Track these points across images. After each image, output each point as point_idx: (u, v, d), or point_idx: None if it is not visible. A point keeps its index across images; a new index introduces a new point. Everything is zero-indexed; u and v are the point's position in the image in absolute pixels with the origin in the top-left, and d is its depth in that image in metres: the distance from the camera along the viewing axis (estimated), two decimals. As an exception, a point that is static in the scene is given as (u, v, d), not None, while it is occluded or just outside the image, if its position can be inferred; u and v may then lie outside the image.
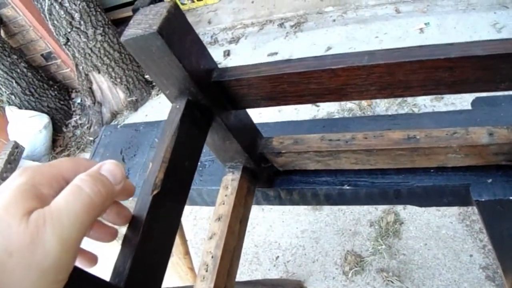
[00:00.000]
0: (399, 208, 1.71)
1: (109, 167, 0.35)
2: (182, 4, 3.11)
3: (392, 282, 1.55)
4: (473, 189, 0.61)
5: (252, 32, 2.91)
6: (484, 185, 0.60)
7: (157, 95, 2.65)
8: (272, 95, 0.53)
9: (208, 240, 0.59)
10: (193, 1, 3.09)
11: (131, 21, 0.44)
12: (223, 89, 0.52)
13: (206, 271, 0.56)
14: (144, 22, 0.43)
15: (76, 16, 2.07)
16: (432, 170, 0.64)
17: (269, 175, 0.70)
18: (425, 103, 2.01)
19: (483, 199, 0.59)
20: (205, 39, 2.93)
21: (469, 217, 1.64)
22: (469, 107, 0.70)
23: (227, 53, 2.84)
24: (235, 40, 2.90)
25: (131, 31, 0.43)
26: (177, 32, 0.45)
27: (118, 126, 0.94)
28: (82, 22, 2.10)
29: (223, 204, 0.62)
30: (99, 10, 2.21)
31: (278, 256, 1.79)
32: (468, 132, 0.56)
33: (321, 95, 0.51)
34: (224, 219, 0.61)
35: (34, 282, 0.28)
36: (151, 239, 0.41)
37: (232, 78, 0.51)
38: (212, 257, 0.57)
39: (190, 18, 3.07)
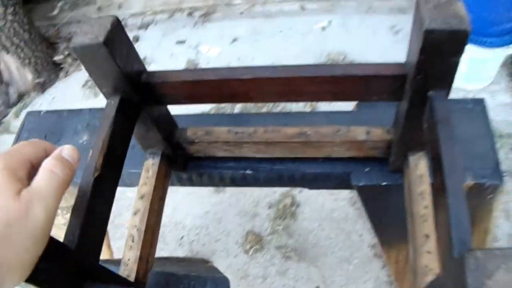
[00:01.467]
0: (295, 191, 1.89)
1: (68, 152, 0.46)
2: (94, -14, 3.07)
3: (290, 257, 1.73)
4: (353, 176, 0.77)
5: (161, 19, 2.94)
6: (362, 173, 0.77)
7: (65, 77, 2.62)
8: (191, 96, 0.65)
9: (133, 216, 0.70)
10: (105, -16, 3.06)
11: (79, 30, 0.54)
12: (150, 89, 0.63)
13: (133, 241, 0.67)
14: (90, 33, 0.53)
15: (-15, -7, 2.02)
16: (320, 160, 0.79)
17: (184, 161, 0.82)
18: (321, 103, 2.22)
19: (361, 184, 0.76)
20: (116, 24, 2.92)
21: (359, 201, 1.87)
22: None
23: (136, 39, 2.85)
24: (144, 26, 2.92)
25: (79, 39, 0.53)
26: (118, 43, 0.55)
27: (41, 113, 1.00)
28: (-9, 0, 2.05)
29: (145, 184, 0.73)
30: (9, -12, 2.16)
31: (183, 236, 1.90)
32: (349, 130, 0.72)
33: (231, 98, 0.64)
34: (146, 198, 0.72)
35: (28, 248, 0.38)
36: (94, 212, 0.52)
37: (158, 81, 0.62)
38: (137, 230, 0.68)
39: (101, 2, 3.05)
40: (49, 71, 2.51)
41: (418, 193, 0.64)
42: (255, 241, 1.80)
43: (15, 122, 2.43)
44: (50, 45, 2.61)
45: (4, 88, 2.36)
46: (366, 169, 0.77)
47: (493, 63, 1.94)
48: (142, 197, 0.72)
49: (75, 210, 0.50)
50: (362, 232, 1.77)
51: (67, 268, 0.47)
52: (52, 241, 0.42)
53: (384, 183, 0.75)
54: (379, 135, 0.71)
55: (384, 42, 2.37)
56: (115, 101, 0.60)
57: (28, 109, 2.47)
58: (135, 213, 0.70)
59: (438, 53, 0.49)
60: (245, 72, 0.61)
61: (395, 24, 2.46)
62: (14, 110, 2.47)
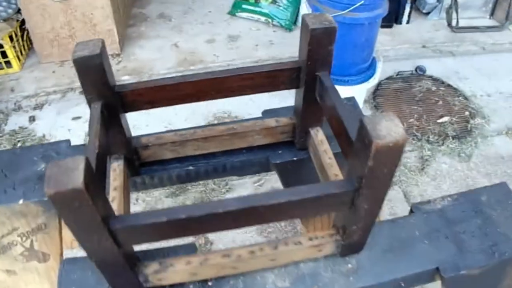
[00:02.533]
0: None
1: None
2: (-19, 71, 3.11)
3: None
4: (270, 157, 1.03)
5: (55, 99, 3.05)
6: (277, 154, 1.03)
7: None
8: (152, 101, 0.88)
9: (111, 203, 0.88)
10: (-7, 69, 3.12)
11: (76, 48, 0.75)
12: (122, 96, 0.85)
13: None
14: (87, 49, 0.75)
15: None
16: (244, 151, 1.04)
17: (138, 166, 1.02)
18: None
19: (277, 162, 1.02)
20: (9, 106, 2.97)
21: (265, 230, 2.11)
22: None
23: (32, 119, 2.92)
24: (39, 107, 3.00)
25: (79, 53, 0.74)
26: (105, 58, 0.77)
27: (-6, 152, 1.12)
28: None
29: (116, 180, 0.92)
30: None
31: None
32: (264, 121, 0.99)
33: (183, 99, 0.88)
34: (118, 189, 0.90)
35: None
36: (100, 168, 0.71)
37: (128, 89, 0.85)
38: (117, 211, 0.86)
39: (-9, 85, 3.08)
40: None
41: (322, 151, 0.92)
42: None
43: None
44: None
45: None
46: (280, 151, 1.04)
47: (358, 98, 2.39)
48: (115, 188, 0.90)
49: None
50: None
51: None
52: None
53: (294, 158, 1.02)
54: (285, 121, 1.00)
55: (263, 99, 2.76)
56: (98, 105, 0.81)
57: None
58: (112, 200, 0.88)
59: (319, 44, 0.80)
60: (192, 76, 0.86)
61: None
62: None
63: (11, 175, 1.05)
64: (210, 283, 0.79)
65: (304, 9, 2.24)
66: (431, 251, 0.85)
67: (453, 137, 2.35)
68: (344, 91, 2.24)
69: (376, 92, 2.68)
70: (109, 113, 0.85)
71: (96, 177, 0.61)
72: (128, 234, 0.63)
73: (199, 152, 1.02)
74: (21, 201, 0.98)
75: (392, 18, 3.23)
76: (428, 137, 2.34)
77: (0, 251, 1.06)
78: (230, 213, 0.61)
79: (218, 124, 1.01)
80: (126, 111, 0.90)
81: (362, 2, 1.91)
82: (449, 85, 2.70)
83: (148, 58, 3.17)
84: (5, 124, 2.82)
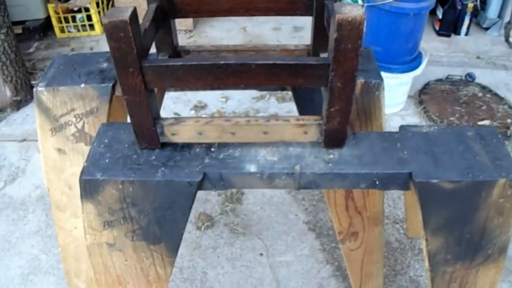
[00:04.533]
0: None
1: None
2: (69, 31, 3.51)
3: (237, 229, 2.08)
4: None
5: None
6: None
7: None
8: (197, 10, 1.08)
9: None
10: (78, 31, 3.51)
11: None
12: (173, 3, 1.06)
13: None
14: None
15: (-13, 13, 2.41)
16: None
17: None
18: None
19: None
20: (87, 63, 3.33)
21: (295, 194, 2.27)
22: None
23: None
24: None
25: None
26: None
27: (69, 54, 1.38)
28: (-10, 20, 2.44)
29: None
30: (7, 13, 2.54)
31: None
32: (285, 45, 1.17)
33: (220, 12, 1.08)
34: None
35: None
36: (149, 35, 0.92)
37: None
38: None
39: (74, 44, 3.48)
40: (26, 92, 2.84)
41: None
42: (206, 220, 2.14)
43: (-11, 132, 2.71)
44: (28, 72, 2.96)
45: (-18, 101, 2.65)
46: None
47: (402, 89, 2.52)
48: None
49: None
50: (297, 212, 2.16)
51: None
52: None
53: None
54: (302, 47, 1.18)
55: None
56: (154, 5, 1.03)
57: (3, 122, 2.76)
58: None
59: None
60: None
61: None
62: (-11, 122, 2.75)
63: (79, 69, 1.30)
64: (213, 149, 0.98)
65: (361, 2, 2.40)
66: (408, 160, 0.98)
67: (491, 140, 2.40)
68: (388, 78, 2.38)
69: (423, 90, 2.78)
70: (162, 16, 1.07)
71: (137, 26, 0.82)
72: (153, 74, 0.83)
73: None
74: (82, 85, 1.22)
75: (451, 28, 3.31)
76: (465, 135, 2.41)
77: (57, 129, 1.29)
78: (230, 65, 0.80)
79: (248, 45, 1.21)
80: (176, 17, 1.12)
81: (409, -9, 2.06)
82: (496, 94, 2.75)
83: (217, 37, 3.44)
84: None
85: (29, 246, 2.03)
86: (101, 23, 3.41)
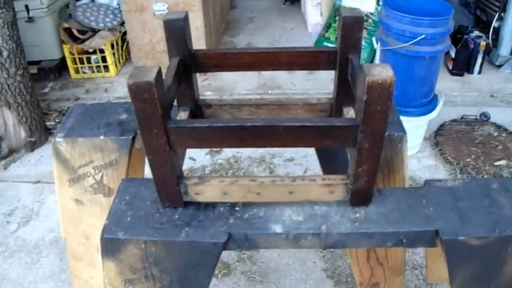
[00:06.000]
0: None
1: None
2: (83, 72, 3.56)
3: (255, 277, 2.03)
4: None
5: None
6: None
7: (51, 140, 2.96)
8: (219, 65, 1.09)
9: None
10: (93, 72, 3.55)
11: (167, 14, 0.99)
12: (195, 58, 1.07)
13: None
14: (175, 14, 0.98)
15: (5, 53, 2.44)
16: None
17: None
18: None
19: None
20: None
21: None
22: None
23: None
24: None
25: (168, 17, 0.97)
26: (187, 25, 1.00)
27: (87, 104, 1.39)
28: (8, 60, 2.47)
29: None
30: (23, 54, 2.59)
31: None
32: (308, 98, 1.17)
33: (246, 66, 1.08)
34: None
35: None
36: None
37: (200, 53, 1.06)
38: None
39: (89, 85, 3.52)
40: (40, 133, 2.85)
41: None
42: (223, 268, 2.10)
43: (2, 173, 2.70)
44: (43, 113, 2.98)
45: (-3, 141, 2.66)
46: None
47: (418, 131, 2.50)
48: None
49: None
50: (315, 259, 2.12)
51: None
52: None
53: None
54: (324, 100, 1.17)
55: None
56: (176, 59, 1.03)
57: (17, 163, 2.76)
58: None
59: (350, 29, 0.98)
60: (251, 49, 1.07)
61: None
62: (3, 162, 2.74)
63: (98, 120, 1.30)
64: (237, 208, 0.96)
65: (378, 47, 2.41)
66: (434, 217, 0.96)
67: (508, 181, 2.37)
68: (405, 122, 2.35)
69: (438, 131, 2.76)
70: (184, 70, 1.07)
71: (162, 87, 0.82)
72: (178, 134, 0.83)
73: (252, 116, 1.21)
74: (101, 137, 1.22)
75: (464, 68, 3.31)
76: (483, 176, 2.38)
77: (75, 180, 1.29)
78: (257, 128, 0.79)
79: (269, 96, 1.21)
80: (197, 71, 1.12)
81: (424, 36, 2.06)
82: (511, 133, 2.72)
83: (231, 80, 3.46)
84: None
85: (42, 292, 2.00)
86: (116, 66, 3.47)
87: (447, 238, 0.92)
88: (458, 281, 0.98)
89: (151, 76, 0.76)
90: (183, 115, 1.15)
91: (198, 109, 1.18)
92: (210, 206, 0.96)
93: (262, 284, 2.01)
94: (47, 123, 2.98)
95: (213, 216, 0.94)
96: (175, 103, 1.15)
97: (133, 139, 1.21)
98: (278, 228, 0.91)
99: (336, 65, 1.06)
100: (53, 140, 1.25)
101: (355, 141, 0.82)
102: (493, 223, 0.95)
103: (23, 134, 2.77)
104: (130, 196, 1.02)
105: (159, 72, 0.80)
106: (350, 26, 0.97)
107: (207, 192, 0.93)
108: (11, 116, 2.67)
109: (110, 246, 0.94)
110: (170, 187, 0.91)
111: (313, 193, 0.93)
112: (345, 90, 1.08)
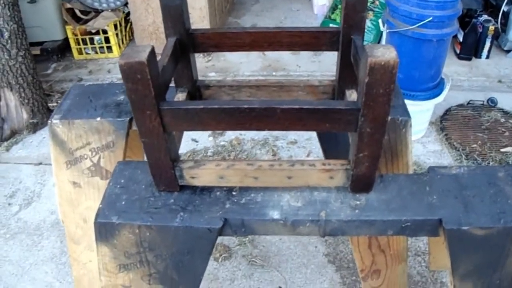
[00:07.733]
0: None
1: None
2: (86, 53, 3.52)
3: (256, 261, 2.02)
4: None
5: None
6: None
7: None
8: (218, 44, 1.05)
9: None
10: (96, 53, 3.52)
11: None
12: (193, 37, 1.03)
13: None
14: None
15: (6, 34, 2.40)
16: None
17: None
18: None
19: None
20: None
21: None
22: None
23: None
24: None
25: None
26: (185, 5, 0.96)
27: (85, 84, 1.35)
28: (9, 41, 2.43)
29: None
30: (25, 35, 2.55)
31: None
32: (309, 80, 1.13)
33: (244, 46, 1.04)
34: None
35: None
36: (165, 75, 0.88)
37: (198, 32, 1.03)
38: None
39: (92, 66, 3.49)
40: (42, 114, 2.83)
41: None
42: (223, 251, 2.08)
43: (4, 155, 2.69)
44: (45, 94, 2.96)
45: (-1, 123, 2.65)
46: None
47: (424, 115, 2.46)
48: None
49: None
50: (317, 244, 2.10)
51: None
52: None
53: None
54: (326, 82, 1.13)
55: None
56: (173, 39, 1.00)
57: (19, 145, 2.75)
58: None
59: (353, 10, 0.93)
60: (251, 28, 1.03)
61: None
62: (5, 144, 2.73)
63: (95, 101, 1.27)
64: (234, 192, 0.93)
65: (385, 30, 2.35)
66: (438, 205, 0.93)
67: (515, 168, 2.33)
68: (410, 105, 2.32)
69: (444, 116, 2.71)
70: (181, 50, 1.04)
71: (156, 68, 0.79)
72: (172, 116, 0.79)
73: (251, 98, 1.17)
74: (98, 119, 1.19)
75: (472, 52, 3.25)
76: (488, 163, 2.34)
77: (72, 162, 1.26)
78: (253, 110, 0.76)
79: (269, 78, 1.17)
80: (196, 51, 1.08)
81: (431, 18, 2.00)
82: (519, 119, 2.68)
83: (235, 61, 3.42)
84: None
85: (43, 273, 2.00)
86: (120, 46, 3.44)
87: (451, 227, 0.89)
88: (461, 271, 0.95)
89: (143, 56, 0.73)
90: (180, 96, 1.12)
91: (196, 90, 1.15)
92: (206, 190, 0.93)
93: (263, 268, 1.99)
94: (50, 104, 2.96)
95: (209, 201, 0.91)
96: (172, 84, 1.12)
97: (130, 120, 1.19)
98: (275, 214, 0.88)
99: (339, 45, 1.02)
100: (49, 121, 1.22)
101: (356, 126, 0.79)
102: (498, 213, 0.92)
103: (25, 115, 2.75)
104: (125, 179, 0.99)
105: (152, 51, 0.77)
106: (354, 6, 0.93)
107: (203, 176, 0.90)
108: (13, 98, 2.65)
109: (104, 231, 0.92)
110: (165, 170, 0.89)
111: (312, 179, 0.90)
112: (348, 72, 1.05)
